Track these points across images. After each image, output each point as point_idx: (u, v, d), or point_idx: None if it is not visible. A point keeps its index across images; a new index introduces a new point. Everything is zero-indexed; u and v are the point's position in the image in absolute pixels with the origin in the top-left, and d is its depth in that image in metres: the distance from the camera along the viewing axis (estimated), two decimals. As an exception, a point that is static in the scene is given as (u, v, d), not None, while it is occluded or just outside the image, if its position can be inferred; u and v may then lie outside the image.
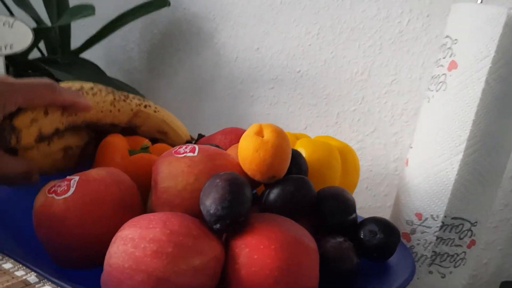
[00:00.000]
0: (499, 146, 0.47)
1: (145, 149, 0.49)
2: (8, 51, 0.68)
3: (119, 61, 0.93)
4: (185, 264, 0.33)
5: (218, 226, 0.36)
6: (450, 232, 0.49)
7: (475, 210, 0.49)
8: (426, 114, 0.51)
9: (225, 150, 0.50)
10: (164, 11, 0.81)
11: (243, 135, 0.43)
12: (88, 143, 0.52)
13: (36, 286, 0.43)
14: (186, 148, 0.43)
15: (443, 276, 0.51)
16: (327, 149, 0.50)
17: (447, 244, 0.50)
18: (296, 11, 0.71)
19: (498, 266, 0.61)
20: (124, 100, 0.51)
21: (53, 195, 0.38)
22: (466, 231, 0.50)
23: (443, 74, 0.49)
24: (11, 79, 0.39)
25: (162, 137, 0.57)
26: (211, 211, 0.35)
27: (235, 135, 0.56)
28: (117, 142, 0.48)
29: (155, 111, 0.55)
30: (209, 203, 0.36)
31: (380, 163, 0.66)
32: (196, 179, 0.40)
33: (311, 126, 0.73)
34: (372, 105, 0.67)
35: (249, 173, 0.42)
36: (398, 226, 0.48)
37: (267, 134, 0.41)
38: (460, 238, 0.50)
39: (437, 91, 0.49)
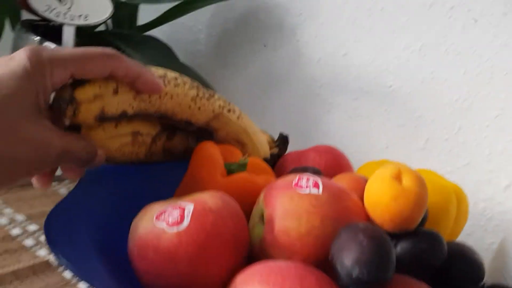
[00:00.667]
0: None
1: (243, 166, 0.44)
2: (82, 22, 0.62)
3: (183, 41, 0.87)
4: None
5: (355, 289, 0.31)
6: None
7: None
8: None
9: (320, 170, 0.45)
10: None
11: (375, 176, 0.37)
12: (160, 133, 0.46)
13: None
14: (308, 181, 0.37)
15: None
16: (445, 192, 0.45)
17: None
18: (398, 22, 0.65)
19: None
20: (208, 99, 0.46)
21: (164, 224, 0.33)
22: None
23: None
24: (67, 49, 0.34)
25: (238, 147, 0.51)
26: (354, 274, 0.30)
27: (332, 155, 0.51)
28: (216, 154, 0.43)
29: (238, 118, 0.49)
30: (351, 264, 0.31)
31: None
32: (322, 222, 0.35)
33: (393, 147, 0.67)
34: (469, 137, 0.62)
35: (377, 221, 0.37)
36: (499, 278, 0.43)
37: (408, 181, 0.36)
38: None
39: None
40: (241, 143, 0.50)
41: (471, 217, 0.59)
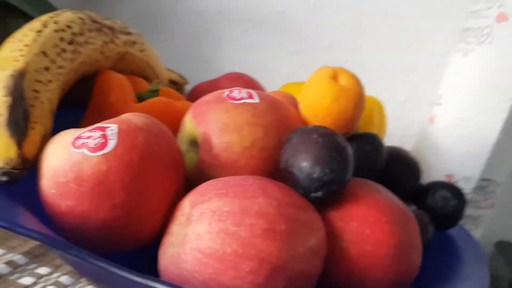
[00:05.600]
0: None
1: (155, 92, 0.38)
2: None
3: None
4: (301, 246, 0.25)
5: (319, 194, 0.28)
6: (477, 194, 0.47)
7: (503, 170, 0.47)
8: (461, 69, 0.47)
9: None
10: None
11: (312, 79, 0.34)
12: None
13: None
14: (240, 92, 0.33)
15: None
16: (368, 102, 0.44)
17: (473, 207, 0.47)
18: None
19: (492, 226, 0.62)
20: (113, 41, 0.38)
21: (84, 150, 0.26)
22: (490, 193, 0.48)
23: (487, 26, 0.45)
24: None
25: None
26: (315, 175, 0.27)
27: (245, 81, 0.48)
28: (124, 82, 0.36)
29: (142, 51, 0.42)
30: (311, 165, 0.27)
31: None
32: (265, 132, 0.31)
33: (292, 77, 0.65)
34: (367, 57, 0.62)
35: (318, 126, 0.34)
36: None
37: (346, 80, 0.34)
38: (484, 200, 0.48)
39: (478, 44, 0.45)
40: (145, 78, 0.44)
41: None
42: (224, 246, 0.24)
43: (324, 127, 0.29)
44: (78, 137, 0.27)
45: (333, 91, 0.33)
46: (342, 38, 0.62)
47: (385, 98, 0.60)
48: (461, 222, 0.47)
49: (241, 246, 0.24)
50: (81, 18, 0.36)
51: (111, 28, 0.38)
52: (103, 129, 0.27)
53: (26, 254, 0.34)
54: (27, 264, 0.33)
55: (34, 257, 0.34)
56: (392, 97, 0.62)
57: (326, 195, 0.28)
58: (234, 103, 0.32)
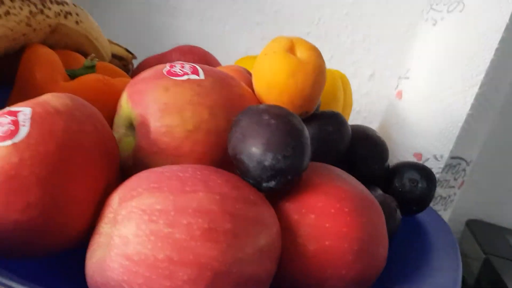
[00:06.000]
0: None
1: (90, 68, 0.34)
2: None
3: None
4: (250, 246, 0.21)
5: (272, 184, 0.24)
6: (447, 173, 0.45)
7: (473, 148, 0.45)
8: (430, 39, 0.44)
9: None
10: None
11: (266, 52, 0.30)
12: None
13: None
14: (183, 67, 0.29)
15: (434, 221, 0.46)
16: (332, 78, 0.40)
17: (443, 186, 0.45)
18: None
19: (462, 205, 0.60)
20: (42, 11, 0.34)
21: (-10, 139, 0.22)
22: (461, 171, 0.45)
23: (458, -8, 0.42)
24: None
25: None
26: (267, 163, 0.24)
27: (197, 55, 0.43)
28: (52, 58, 0.32)
29: (77, 23, 0.38)
30: (262, 151, 0.24)
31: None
32: (211, 113, 0.27)
33: (253, 50, 0.61)
34: (330, 28, 0.58)
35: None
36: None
37: (304, 53, 0.30)
38: (455, 179, 0.45)
39: (448, 12, 0.42)
40: (82, 53, 0.39)
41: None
42: (155, 251, 0.20)
43: (278, 107, 0.26)
44: (-18, 123, 0.22)
45: (289, 65, 0.29)
46: (304, 9, 0.58)
47: (351, 73, 0.57)
48: (433, 202, 0.44)
49: (176, 250, 0.20)
50: None
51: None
52: (14, 113, 0.23)
53: None
54: None
55: None
56: (358, 72, 0.58)
57: (280, 185, 0.24)
58: (175, 79, 0.28)
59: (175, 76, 0.28)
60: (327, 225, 0.25)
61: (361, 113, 0.59)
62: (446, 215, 0.47)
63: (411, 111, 0.45)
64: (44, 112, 0.23)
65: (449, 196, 0.46)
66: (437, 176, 0.44)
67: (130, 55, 0.47)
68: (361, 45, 0.58)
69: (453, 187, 0.46)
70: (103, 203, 0.24)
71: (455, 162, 0.44)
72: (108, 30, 0.65)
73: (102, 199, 0.24)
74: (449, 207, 0.47)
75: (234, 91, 0.29)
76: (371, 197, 0.27)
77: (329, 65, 0.56)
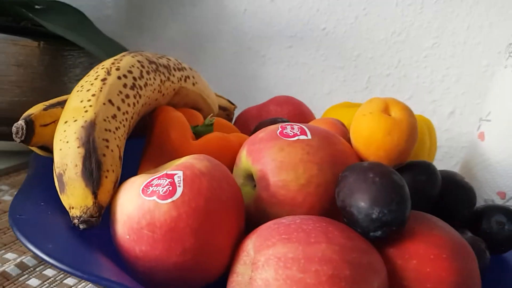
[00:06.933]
0: None
1: (210, 126, 0.40)
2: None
3: (87, 7, 0.78)
4: (366, 289, 0.26)
5: (378, 233, 0.28)
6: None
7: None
8: (509, 84, 0.46)
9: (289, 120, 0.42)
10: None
11: (362, 112, 0.35)
12: None
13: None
14: (293, 129, 0.34)
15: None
16: (419, 124, 0.43)
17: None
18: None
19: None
20: (168, 78, 0.40)
21: (155, 197, 0.28)
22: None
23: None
24: None
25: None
26: (374, 216, 0.28)
27: (293, 105, 0.48)
28: (182, 120, 0.38)
29: (194, 84, 0.44)
30: (369, 205, 0.28)
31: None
32: (320, 169, 0.32)
33: (336, 92, 0.66)
34: (409, 70, 0.62)
35: (371, 159, 0.34)
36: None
37: (397, 113, 0.34)
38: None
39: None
40: (198, 109, 0.46)
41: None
42: (291, 292, 0.25)
43: (380, 164, 0.30)
44: (149, 185, 0.28)
45: (385, 125, 0.33)
46: (384, 52, 0.62)
47: (430, 111, 0.60)
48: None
49: (307, 292, 0.25)
50: (139, 61, 0.37)
51: (166, 67, 0.40)
52: (171, 176, 0.29)
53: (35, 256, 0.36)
54: (35, 266, 0.36)
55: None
56: (437, 110, 0.61)
57: (385, 235, 0.28)
58: (288, 140, 0.33)
59: (287, 137, 0.33)
60: (428, 270, 0.28)
61: (442, 147, 0.62)
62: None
63: (495, 152, 0.47)
64: (192, 174, 0.29)
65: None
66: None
67: (233, 106, 0.53)
68: (440, 85, 0.61)
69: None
70: (237, 246, 0.29)
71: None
72: (207, 78, 0.73)
73: (236, 242, 0.30)
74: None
75: (337, 148, 0.34)
76: (465, 243, 0.31)
77: (408, 103, 0.60)
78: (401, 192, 0.28)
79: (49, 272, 0.35)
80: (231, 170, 0.36)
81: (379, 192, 0.28)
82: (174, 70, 0.41)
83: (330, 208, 0.32)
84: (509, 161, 0.46)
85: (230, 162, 0.37)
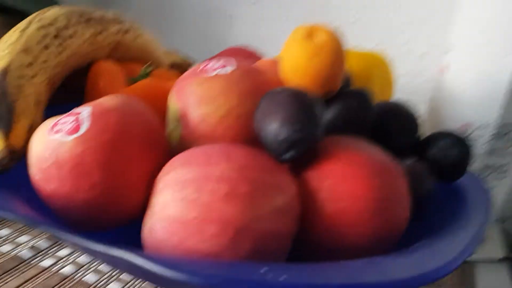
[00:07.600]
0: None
1: (146, 75, 0.39)
2: None
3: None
4: (266, 206, 0.25)
5: (289, 154, 0.28)
6: (499, 140, 0.45)
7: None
8: (473, 10, 0.44)
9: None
10: None
11: (288, 41, 0.34)
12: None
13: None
14: (214, 64, 0.33)
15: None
16: (367, 57, 0.42)
17: (497, 155, 0.45)
18: None
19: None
20: (101, 32, 0.40)
21: (59, 135, 0.28)
22: (513, 139, 0.45)
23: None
24: None
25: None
26: (281, 137, 0.27)
27: (243, 56, 0.47)
28: (112, 69, 0.38)
29: (135, 38, 0.43)
30: (276, 126, 0.27)
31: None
32: (240, 100, 0.31)
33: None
34: (379, 14, 0.60)
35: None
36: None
37: (321, 37, 0.33)
38: (506, 148, 0.45)
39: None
40: (143, 64, 0.45)
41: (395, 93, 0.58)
42: (187, 212, 0.24)
43: (292, 87, 0.29)
44: (56, 124, 0.28)
45: (307, 50, 0.32)
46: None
47: (402, 54, 0.58)
48: (486, 172, 0.45)
49: (203, 211, 0.24)
50: (66, 13, 0.37)
51: (99, 19, 0.40)
52: (76, 113, 0.29)
53: (50, 237, 0.37)
54: (49, 247, 0.36)
55: (57, 241, 0.37)
56: (409, 52, 0.59)
57: (297, 155, 0.28)
58: (208, 75, 0.32)
59: (208, 72, 0.32)
60: (342, 188, 0.28)
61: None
62: (504, 186, 0.47)
63: (458, 84, 0.45)
64: (99, 111, 0.29)
65: (503, 166, 0.46)
66: (486, 144, 0.44)
67: (187, 62, 0.52)
68: (409, 27, 0.59)
69: (507, 154, 0.45)
70: (154, 182, 0.29)
71: (506, 130, 0.44)
72: (170, 41, 0.72)
73: (152, 179, 0.29)
74: (506, 177, 0.47)
75: (261, 78, 0.33)
76: (389, 162, 0.29)
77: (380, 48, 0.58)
78: (309, 109, 0.27)
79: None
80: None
81: (285, 112, 0.27)
82: (112, 23, 0.41)
83: (253, 139, 0.31)
84: (474, 90, 0.44)
85: (164, 109, 0.36)
